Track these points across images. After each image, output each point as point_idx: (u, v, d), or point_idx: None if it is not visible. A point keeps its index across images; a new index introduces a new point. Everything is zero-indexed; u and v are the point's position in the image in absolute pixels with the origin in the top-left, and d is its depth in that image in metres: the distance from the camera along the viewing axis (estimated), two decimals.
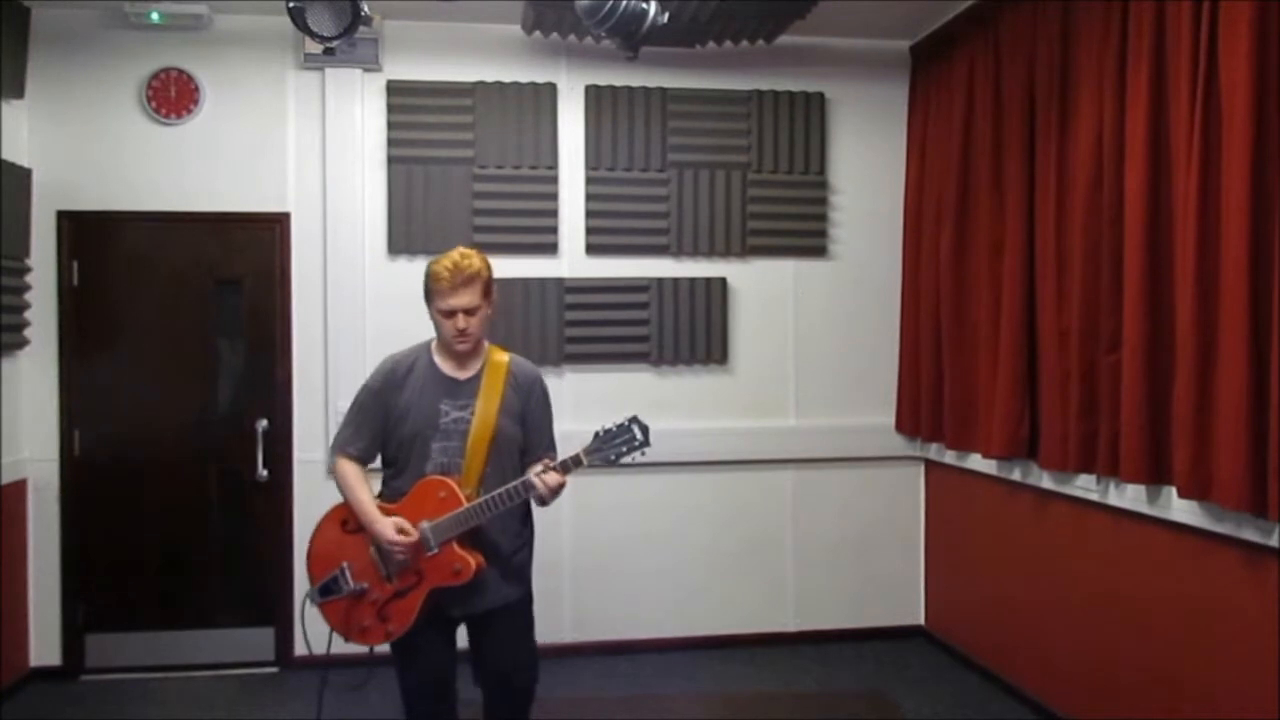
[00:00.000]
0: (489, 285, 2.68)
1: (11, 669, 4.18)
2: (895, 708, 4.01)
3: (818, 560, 4.84)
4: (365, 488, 2.69)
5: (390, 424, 2.70)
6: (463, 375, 2.70)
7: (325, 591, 2.69)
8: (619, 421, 2.56)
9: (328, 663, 2.78)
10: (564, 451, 2.71)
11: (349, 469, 2.71)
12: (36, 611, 4.33)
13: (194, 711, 4.00)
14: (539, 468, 2.61)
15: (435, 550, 2.58)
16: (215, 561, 4.47)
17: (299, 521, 4.44)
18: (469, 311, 2.61)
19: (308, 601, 2.72)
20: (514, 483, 2.58)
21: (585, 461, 2.57)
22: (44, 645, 4.34)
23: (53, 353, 4.34)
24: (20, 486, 4.27)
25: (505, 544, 2.71)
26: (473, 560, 2.58)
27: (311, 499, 4.43)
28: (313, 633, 2.73)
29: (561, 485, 2.59)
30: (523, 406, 2.73)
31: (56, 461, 4.34)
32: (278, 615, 4.46)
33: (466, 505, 2.56)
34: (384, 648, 2.74)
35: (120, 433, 4.39)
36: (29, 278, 4.26)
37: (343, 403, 4.37)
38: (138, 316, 4.41)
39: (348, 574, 2.67)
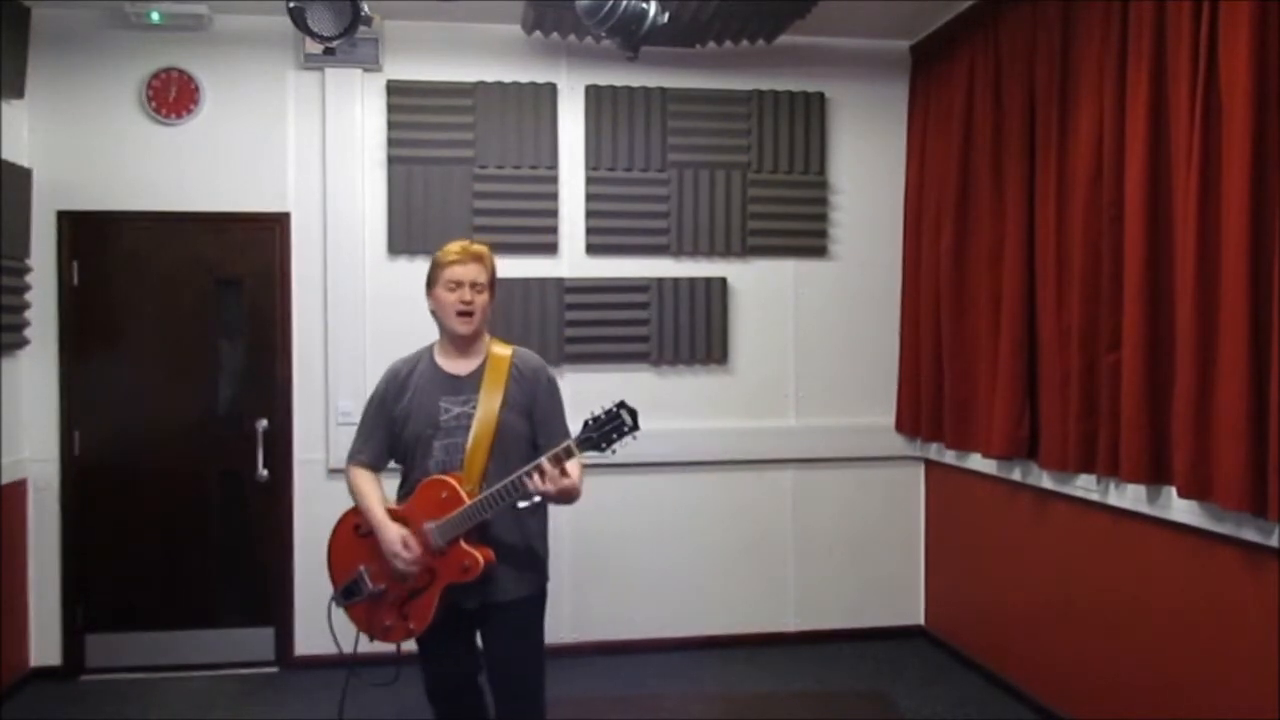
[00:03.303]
0: (494, 277, 2.73)
1: (11, 669, 4.18)
2: (895, 708, 4.01)
3: (818, 560, 4.84)
4: (374, 492, 2.72)
5: (396, 428, 2.73)
6: (463, 371, 2.71)
7: (348, 594, 2.74)
8: (606, 408, 2.49)
9: (354, 660, 2.74)
10: None
11: (359, 475, 2.76)
12: (36, 611, 4.33)
13: (194, 711, 4.00)
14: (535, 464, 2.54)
15: (444, 549, 2.59)
16: (215, 561, 4.47)
17: (299, 521, 4.45)
18: (475, 285, 2.65)
19: (333, 604, 2.77)
20: (510, 478, 2.53)
21: (576, 452, 2.50)
22: (44, 645, 4.34)
23: (53, 353, 4.34)
24: (20, 486, 4.27)
25: (516, 538, 2.69)
26: (480, 556, 2.58)
27: (311, 499, 4.45)
28: (340, 631, 2.74)
29: (564, 485, 2.50)
30: (529, 399, 2.72)
31: (56, 461, 4.34)
32: (278, 615, 4.46)
33: (467, 504, 2.56)
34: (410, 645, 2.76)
35: (120, 432, 4.39)
36: (29, 278, 4.26)
37: (343, 402, 4.46)
38: (138, 316, 4.41)
39: (366, 578, 2.71)
